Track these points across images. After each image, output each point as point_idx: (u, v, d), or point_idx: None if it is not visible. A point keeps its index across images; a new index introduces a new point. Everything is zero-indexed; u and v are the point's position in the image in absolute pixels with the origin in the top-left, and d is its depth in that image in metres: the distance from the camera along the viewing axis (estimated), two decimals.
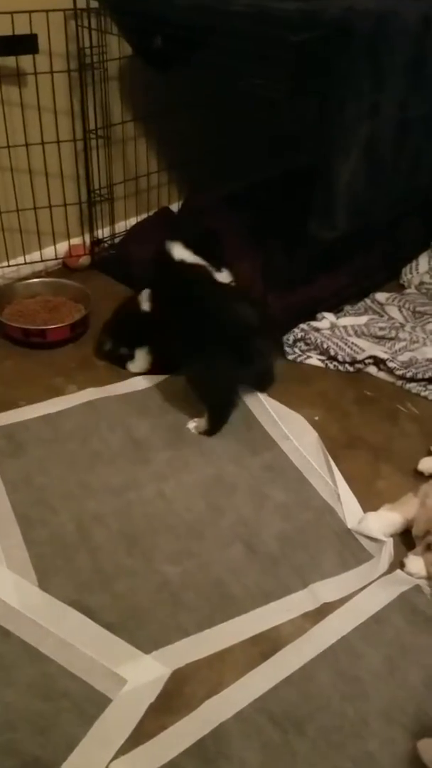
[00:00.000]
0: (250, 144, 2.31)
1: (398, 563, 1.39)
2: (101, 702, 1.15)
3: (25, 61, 1.94)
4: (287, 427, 1.72)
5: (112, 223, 2.41)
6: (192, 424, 1.73)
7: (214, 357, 1.61)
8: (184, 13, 1.79)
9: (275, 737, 1.11)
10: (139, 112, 2.32)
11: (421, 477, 1.58)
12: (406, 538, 1.45)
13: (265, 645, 1.25)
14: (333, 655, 1.23)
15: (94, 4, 1.97)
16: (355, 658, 1.23)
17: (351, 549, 1.43)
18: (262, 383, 1.80)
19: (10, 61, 1.93)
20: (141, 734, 1.11)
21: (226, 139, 2.44)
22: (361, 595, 1.34)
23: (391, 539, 1.43)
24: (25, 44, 1.85)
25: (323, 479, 1.59)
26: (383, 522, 1.45)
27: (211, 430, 1.70)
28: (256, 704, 1.15)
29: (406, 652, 1.24)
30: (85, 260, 2.41)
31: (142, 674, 1.19)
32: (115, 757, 1.08)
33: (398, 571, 1.37)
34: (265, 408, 1.77)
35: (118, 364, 1.95)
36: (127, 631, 1.26)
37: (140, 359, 1.93)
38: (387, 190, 1.96)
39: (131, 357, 1.93)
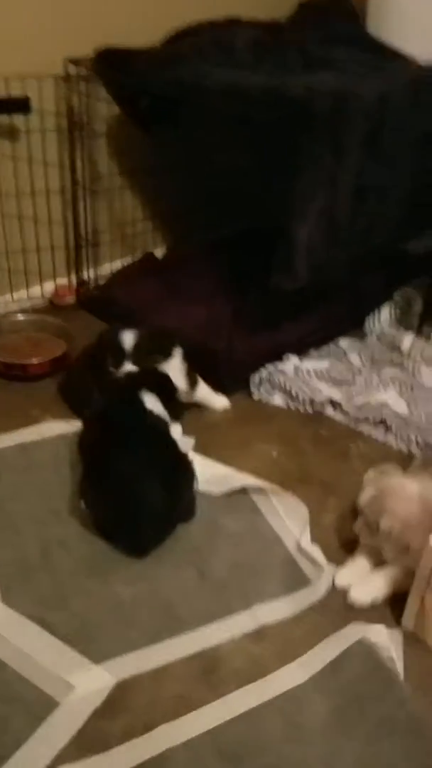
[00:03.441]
0: (225, 201, 2.49)
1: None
2: (50, 705, 1.26)
3: (18, 119, 2.13)
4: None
5: (96, 266, 2.56)
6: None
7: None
8: (166, 86, 1.99)
9: None
10: (125, 167, 2.51)
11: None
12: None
13: (206, 661, 1.36)
14: (286, 701, 1.29)
15: (83, 71, 2.16)
16: (305, 706, 1.29)
17: (293, 575, 1.55)
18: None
19: (3, 118, 2.11)
20: (84, 736, 1.22)
21: (204, 196, 2.62)
22: (324, 642, 1.39)
23: (331, 567, 1.55)
24: (18, 105, 2.03)
25: (275, 512, 1.72)
26: (370, 590, 1.49)
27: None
28: (206, 736, 1.22)
29: (355, 703, 1.29)
30: (70, 299, 2.56)
31: (90, 682, 1.30)
32: (62, 762, 1.18)
33: (352, 623, 1.43)
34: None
35: None
36: (81, 643, 1.37)
37: None
38: (343, 249, 2.12)
39: None
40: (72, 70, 2.16)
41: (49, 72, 2.12)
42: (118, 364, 1.85)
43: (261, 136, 1.73)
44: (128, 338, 1.87)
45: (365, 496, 1.52)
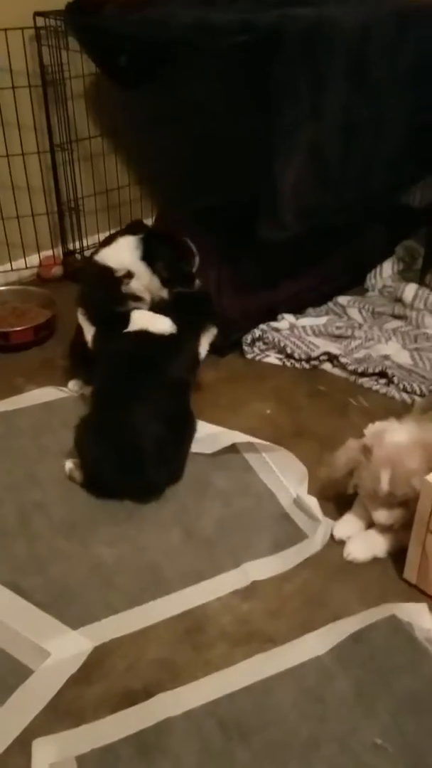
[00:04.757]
0: (211, 157, 2.39)
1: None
2: (23, 673, 1.17)
3: None
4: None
5: (81, 235, 2.47)
6: (69, 464, 1.58)
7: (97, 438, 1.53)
8: (136, 27, 1.88)
9: (217, 742, 1.08)
10: (106, 128, 2.41)
11: None
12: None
13: (190, 622, 1.27)
14: (301, 673, 1.18)
15: (52, 23, 2.06)
16: (323, 679, 1.17)
17: (286, 531, 1.45)
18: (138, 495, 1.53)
19: None
20: (59, 704, 1.13)
21: (190, 153, 2.51)
22: (350, 617, 1.27)
23: (328, 520, 1.45)
24: None
25: (269, 468, 1.61)
26: (369, 546, 1.40)
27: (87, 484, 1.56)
28: (208, 707, 1.13)
29: (379, 676, 1.17)
30: (57, 270, 2.48)
31: (65, 648, 1.21)
32: (35, 731, 1.10)
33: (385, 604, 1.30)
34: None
35: None
36: (57, 609, 1.28)
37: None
38: (337, 193, 2.01)
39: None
40: (41, 22, 2.06)
41: (16, 25, 2.02)
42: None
43: (234, 69, 1.62)
44: None
45: (385, 481, 1.32)
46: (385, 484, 1.33)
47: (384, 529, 1.38)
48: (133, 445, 1.49)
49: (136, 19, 1.88)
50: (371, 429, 1.70)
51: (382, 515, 1.36)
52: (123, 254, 1.73)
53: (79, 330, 1.78)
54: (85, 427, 1.55)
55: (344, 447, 1.46)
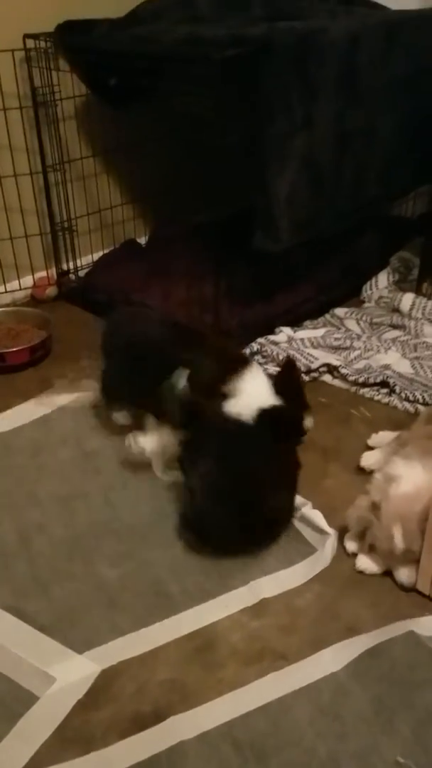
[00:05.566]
0: (210, 173, 2.37)
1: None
2: (28, 700, 1.13)
3: None
4: None
5: (74, 255, 2.45)
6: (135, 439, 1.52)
7: None
8: (127, 44, 1.89)
9: (233, 765, 1.04)
10: (98, 148, 2.41)
11: (364, 473, 1.56)
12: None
13: (200, 641, 1.23)
14: (317, 690, 1.14)
15: (42, 44, 2.07)
16: (340, 696, 1.13)
17: (294, 545, 1.41)
18: None
19: None
20: (67, 731, 1.09)
21: (186, 171, 2.51)
22: (362, 635, 1.24)
23: (335, 532, 1.41)
24: None
25: None
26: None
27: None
28: (223, 728, 1.09)
29: (399, 691, 1.14)
30: (51, 291, 2.46)
31: (71, 673, 1.17)
32: (43, 759, 1.05)
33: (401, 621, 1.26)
34: None
35: None
36: (61, 632, 1.24)
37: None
38: (332, 202, 2.01)
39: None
40: (31, 44, 2.06)
41: (5, 47, 2.02)
42: None
43: (220, 79, 1.62)
44: None
45: (398, 538, 1.26)
46: (399, 542, 1.26)
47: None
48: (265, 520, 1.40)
49: (127, 36, 1.89)
50: (375, 439, 1.68)
51: (404, 574, 1.30)
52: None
53: (112, 357, 1.75)
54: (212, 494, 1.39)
55: (353, 506, 1.39)
